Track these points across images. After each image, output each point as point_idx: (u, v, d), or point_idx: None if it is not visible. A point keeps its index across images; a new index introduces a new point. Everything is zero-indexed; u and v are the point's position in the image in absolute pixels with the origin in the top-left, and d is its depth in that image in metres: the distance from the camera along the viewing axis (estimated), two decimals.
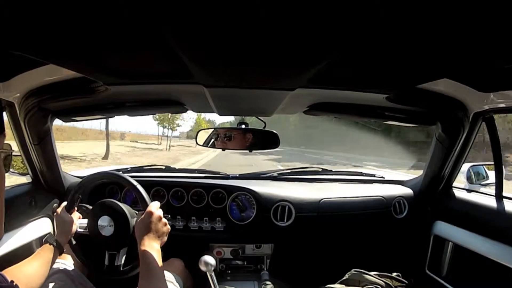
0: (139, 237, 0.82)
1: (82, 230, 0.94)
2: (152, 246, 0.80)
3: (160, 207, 0.88)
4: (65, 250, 0.90)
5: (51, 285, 0.84)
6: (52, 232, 1.14)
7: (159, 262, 0.78)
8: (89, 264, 0.94)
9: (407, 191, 1.40)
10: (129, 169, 1.55)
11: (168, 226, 0.87)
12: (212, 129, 1.23)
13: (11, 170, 0.89)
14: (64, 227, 0.91)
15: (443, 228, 1.21)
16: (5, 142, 0.54)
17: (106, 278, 0.94)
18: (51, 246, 0.84)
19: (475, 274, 1.09)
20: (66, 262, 0.96)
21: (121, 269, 0.91)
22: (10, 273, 0.69)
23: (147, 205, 0.87)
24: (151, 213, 0.84)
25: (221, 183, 1.36)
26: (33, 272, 0.76)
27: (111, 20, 0.47)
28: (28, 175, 1.16)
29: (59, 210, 0.93)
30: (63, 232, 0.90)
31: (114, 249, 0.92)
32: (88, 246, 0.97)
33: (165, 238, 0.86)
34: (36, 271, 0.78)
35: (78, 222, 0.95)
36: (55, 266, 0.89)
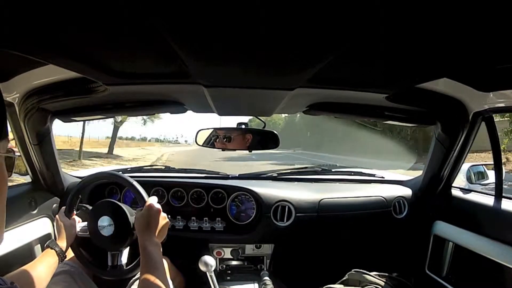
0: (139, 231, 0.81)
1: (82, 233, 0.93)
2: (153, 241, 0.79)
3: (160, 207, 0.88)
4: (66, 254, 0.90)
5: (54, 286, 0.84)
6: (52, 232, 1.13)
7: (160, 256, 0.77)
8: (92, 266, 0.94)
9: (407, 191, 1.40)
10: (129, 169, 1.56)
11: (168, 220, 0.87)
12: (212, 129, 1.23)
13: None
14: (65, 231, 0.90)
15: (443, 228, 1.21)
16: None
17: (109, 278, 0.93)
18: (53, 250, 0.84)
19: (475, 274, 1.08)
20: (69, 262, 0.95)
21: (124, 268, 0.91)
22: (12, 278, 0.69)
23: (145, 202, 0.86)
24: (150, 207, 0.83)
25: (221, 183, 1.36)
26: (35, 277, 0.76)
27: (110, 20, 0.47)
28: (28, 175, 1.16)
29: (58, 215, 0.93)
30: (64, 236, 0.89)
31: (115, 249, 0.92)
32: (90, 248, 0.97)
33: (165, 232, 0.85)
34: (38, 276, 0.77)
35: (78, 225, 0.94)
36: (58, 266, 0.89)
